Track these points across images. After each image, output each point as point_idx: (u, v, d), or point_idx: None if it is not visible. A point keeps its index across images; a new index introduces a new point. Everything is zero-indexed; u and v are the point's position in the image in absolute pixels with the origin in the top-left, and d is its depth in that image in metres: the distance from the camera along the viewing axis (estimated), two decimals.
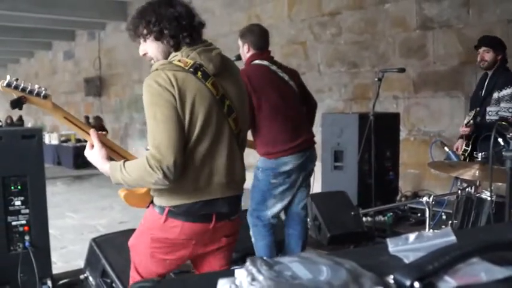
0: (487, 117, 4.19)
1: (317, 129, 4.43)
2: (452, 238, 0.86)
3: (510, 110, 4.05)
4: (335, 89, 7.33)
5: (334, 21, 7.22)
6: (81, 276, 3.44)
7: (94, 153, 2.04)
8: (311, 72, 7.45)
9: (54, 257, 3.76)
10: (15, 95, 2.04)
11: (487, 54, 4.21)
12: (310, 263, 0.76)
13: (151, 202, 2.07)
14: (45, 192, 3.48)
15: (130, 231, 2.29)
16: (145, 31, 1.99)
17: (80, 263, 3.60)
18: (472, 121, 4.14)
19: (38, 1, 10.22)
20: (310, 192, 3.80)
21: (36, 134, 3.46)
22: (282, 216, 3.71)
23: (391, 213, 5.03)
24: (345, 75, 7.19)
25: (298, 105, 3.51)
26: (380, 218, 5.03)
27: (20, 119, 15.50)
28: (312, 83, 6.63)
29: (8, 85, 2.01)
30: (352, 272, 0.74)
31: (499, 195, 2.85)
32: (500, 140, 2.64)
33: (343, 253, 0.92)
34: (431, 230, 1.76)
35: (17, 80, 2.03)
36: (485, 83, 4.29)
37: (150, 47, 2.03)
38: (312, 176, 3.63)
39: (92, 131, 2.07)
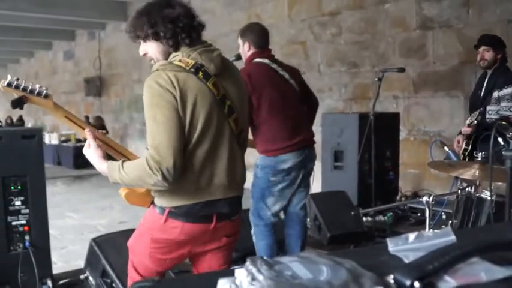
0: (487, 116, 4.18)
1: (317, 129, 4.43)
2: (452, 238, 0.86)
3: (511, 109, 4.05)
4: (335, 89, 7.33)
5: (334, 21, 7.22)
6: (81, 276, 3.44)
7: (91, 152, 2.04)
8: (311, 72, 7.45)
9: (54, 257, 3.76)
10: (16, 94, 2.04)
11: (487, 53, 4.20)
12: (310, 263, 0.76)
13: (152, 202, 2.07)
14: (45, 192, 3.48)
15: (130, 231, 2.29)
16: (144, 31, 1.99)
17: (80, 263, 3.60)
18: (475, 122, 4.13)
19: (38, 1, 10.21)
20: (310, 192, 3.80)
21: (36, 134, 3.46)
22: (282, 216, 3.71)
23: (391, 213, 5.03)
24: (345, 75, 7.19)
25: (298, 104, 3.51)
26: (380, 218, 5.03)
27: (20, 119, 15.51)
28: (312, 83, 6.60)
29: (9, 85, 2.01)
30: (352, 271, 0.74)
31: (499, 195, 2.85)
32: (500, 139, 2.64)
33: (343, 253, 0.92)
34: (431, 230, 1.76)
35: (17, 79, 2.04)
36: (485, 82, 4.29)
37: (150, 47, 2.03)
38: (312, 176, 3.63)
39: (87, 130, 2.07)
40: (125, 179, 1.91)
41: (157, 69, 1.92)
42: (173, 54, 2.00)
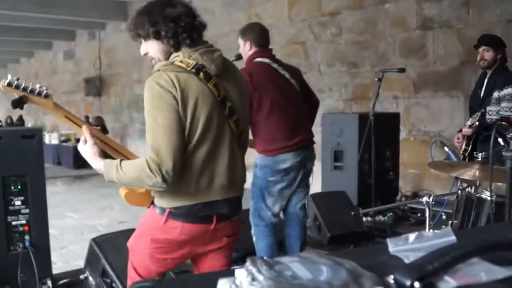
0: (488, 116, 4.18)
1: (317, 129, 4.44)
2: (452, 238, 0.86)
3: (511, 110, 4.05)
4: (335, 89, 7.33)
5: (334, 21, 7.22)
6: (81, 276, 3.44)
7: (87, 149, 2.03)
8: (311, 72, 7.45)
9: (54, 257, 3.76)
10: (16, 94, 2.04)
11: (486, 53, 4.20)
12: (311, 263, 0.76)
13: (152, 203, 2.07)
14: (45, 192, 3.48)
15: (130, 231, 2.29)
16: (145, 31, 1.98)
17: (80, 263, 3.60)
18: (477, 123, 4.11)
19: (38, 1, 10.21)
20: (310, 192, 3.79)
21: (36, 134, 3.46)
22: (282, 216, 3.71)
23: (391, 213, 5.03)
24: (345, 75, 7.19)
25: (299, 104, 3.51)
26: (380, 218, 5.03)
27: (20, 118, 15.50)
28: (312, 83, 6.58)
29: (9, 84, 2.01)
30: (352, 272, 0.74)
31: (499, 195, 2.85)
32: (500, 140, 2.64)
33: (343, 253, 0.92)
34: (431, 230, 1.76)
35: (18, 79, 2.04)
36: (485, 82, 4.28)
37: (150, 47, 2.02)
38: (311, 177, 3.63)
39: (84, 127, 2.06)
40: (122, 178, 1.91)
41: (159, 70, 1.92)
42: (174, 54, 1.99)
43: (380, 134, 4.97)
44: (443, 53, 6.00)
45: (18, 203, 3.33)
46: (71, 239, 5.39)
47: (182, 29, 1.96)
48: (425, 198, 3.00)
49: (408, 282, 0.71)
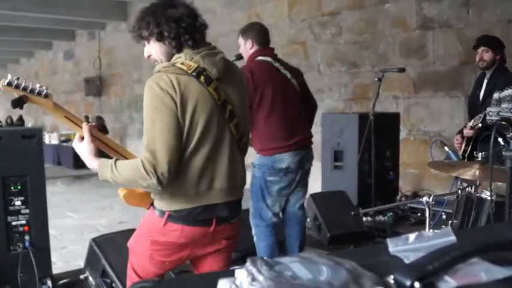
0: (488, 117, 4.17)
1: (317, 129, 4.44)
2: (452, 238, 0.86)
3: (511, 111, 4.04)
4: (335, 89, 7.33)
5: (334, 21, 7.22)
6: (81, 276, 3.44)
7: (82, 147, 2.01)
8: (311, 72, 7.45)
9: (54, 257, 3.76)
10: (16, 94, 2.03)
11: (485, 54, 4.20)
12: (311, 263, 0.76)
13: (152, 204, 2.07)
14: (45, 192, 3.48)
15: (130, 231, 2.29)
16: (147, 32, 1.98)
17: (80, 263, 3.60)
18: (480, 125, 4.09)
19: (38, 1, 10.21)
20: (308, 192, 3.79)
21: (36, 134, 3.46)
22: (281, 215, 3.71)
23: (391, 213, 5.03)
24: (345, 75, 7.19)
25: (299, 104, 3.50)
26: (380, 218, 5.03)
27: (20, 118, 15.50)
28: (312, 83, 6.60)
29: (9, 84, 2.01)
30: (352, 272, 0.74)
31: (499, 195, 2.85)
32: (500, 139, 2.64)
33: (343, 253, 0.92)
34: (431, 230, 1.76)
35: (18, 79, 2.03)
36: (484, 83, 4.28)
37: (153, 49, 2.01)
38: (309, 176, 3.63)
39: (84, 124, 2.04)
40: (116, 178, 1.89)
41: (159, 71, 1.91)
42: (176, 56, 1.98)
43: (380, 134, 4.97)
44: (443, 53, 6.00)
45: (18, 203, 3.33)
46: (71, 239, 5.39)
47: (184, 29, 1.95)
48: (425, 198, 3.00)
49: (408, 282, 0.71)
